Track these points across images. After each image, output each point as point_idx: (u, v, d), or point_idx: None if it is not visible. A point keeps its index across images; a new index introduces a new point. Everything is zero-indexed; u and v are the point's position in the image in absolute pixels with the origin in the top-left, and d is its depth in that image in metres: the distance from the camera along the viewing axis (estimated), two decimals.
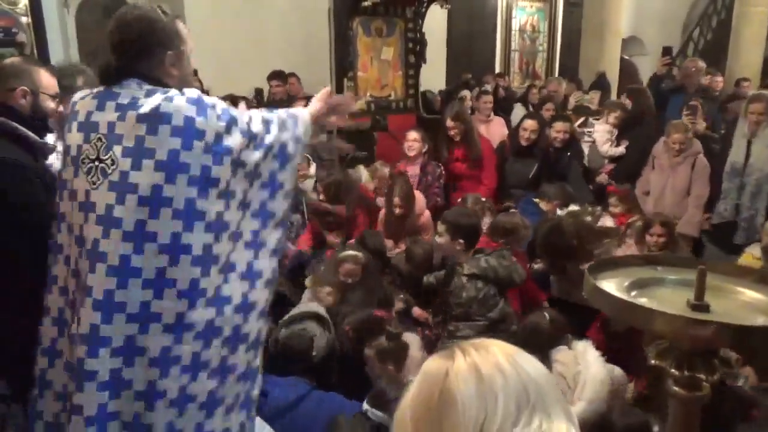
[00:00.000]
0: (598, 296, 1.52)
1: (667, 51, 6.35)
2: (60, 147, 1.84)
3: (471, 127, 4.54)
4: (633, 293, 1.56)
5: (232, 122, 1.62)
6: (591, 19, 9.24)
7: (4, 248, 1.75)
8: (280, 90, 5.99)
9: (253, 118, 1.71)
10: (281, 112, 1.82)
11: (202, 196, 1.56)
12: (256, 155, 1.68)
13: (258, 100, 6.14)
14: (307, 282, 3.19)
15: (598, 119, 5.46)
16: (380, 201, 4.33)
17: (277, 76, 6.05)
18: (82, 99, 1.66)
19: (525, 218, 3.52)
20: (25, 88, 1.94)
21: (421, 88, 6.03)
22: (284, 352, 2.47)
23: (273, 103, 5.90)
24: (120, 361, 1.54)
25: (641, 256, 1.90)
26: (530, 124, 4.46)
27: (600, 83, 7.84)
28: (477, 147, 4.44)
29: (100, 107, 1.60)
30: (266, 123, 1.73)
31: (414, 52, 5.61)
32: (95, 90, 1.66)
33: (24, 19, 5.75)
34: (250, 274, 1.71)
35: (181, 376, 1.58)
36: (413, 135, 4.42)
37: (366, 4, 4.87)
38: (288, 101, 5.46)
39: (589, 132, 5.35)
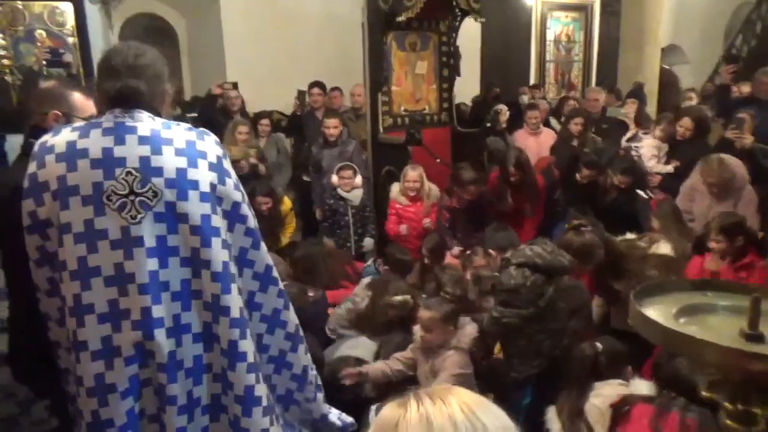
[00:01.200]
0: (644, 324, 1.46)
1: (733, 58, 5.92)
2: None
3: (532, 175, 4.56)
4: (681, 320, 1.49)
5: (243, 197, 1.73)
6: (629, 27, 9.06)
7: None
8: (320, 99, 6.09)
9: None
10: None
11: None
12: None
13: (301, 101, 6.27)
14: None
15: (647, 133, 5.29)
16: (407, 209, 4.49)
17: (318, 84, 6.15)
18: (84, 137, 1.57)
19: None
20: (58, 111, 1.98)
21: (455, 101, 6.00)
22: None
23: (311, 111, 6.02)
24: (192, 381, 1.65)
25: (690, 280, 1.82)
26: (587, 174, 4.50)
27: (636, 94, 7.48)
28: (535, 194, 4.52)
29: (119, 141, 1.57)
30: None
31: (448, 65, 5.59)
32: (94, 124, 1.61)
33: (70, 40, 5.96)
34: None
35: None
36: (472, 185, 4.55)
37: (400, 19, 4.87)
38: (328, 112, 5.52)
39: (637, 147, 5.19)
